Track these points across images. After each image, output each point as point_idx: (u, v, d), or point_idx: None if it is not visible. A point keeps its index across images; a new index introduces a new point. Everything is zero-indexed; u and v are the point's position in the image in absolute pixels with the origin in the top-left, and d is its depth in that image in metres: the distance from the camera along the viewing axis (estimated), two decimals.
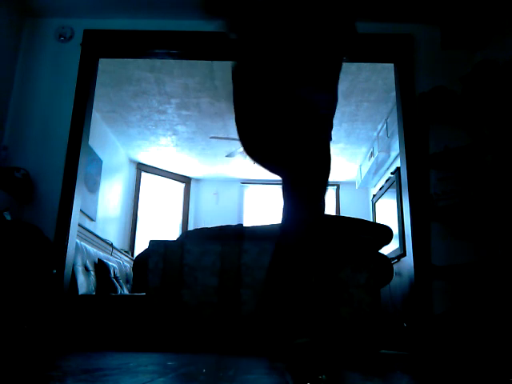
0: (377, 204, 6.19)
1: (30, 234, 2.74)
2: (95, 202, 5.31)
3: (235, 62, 1.63)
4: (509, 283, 2.68)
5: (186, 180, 7.63)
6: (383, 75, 4.40)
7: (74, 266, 3.58)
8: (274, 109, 1.47)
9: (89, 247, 4.36)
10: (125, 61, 4.27)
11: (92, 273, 4.09)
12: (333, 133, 1.66)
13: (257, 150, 1.60)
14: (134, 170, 6.92)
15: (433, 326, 2.82)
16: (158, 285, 2.96)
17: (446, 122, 3.19)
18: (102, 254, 4.67)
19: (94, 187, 5.24)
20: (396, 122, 3.85)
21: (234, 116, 1.61)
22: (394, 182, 4.91)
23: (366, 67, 4.30)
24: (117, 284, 4.31)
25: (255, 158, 1.64)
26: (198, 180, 7.74)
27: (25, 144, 3.24)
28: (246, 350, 2.63)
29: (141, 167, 7.00)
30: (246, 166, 7.01)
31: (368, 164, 6.16)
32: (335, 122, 5.32)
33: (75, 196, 3.16)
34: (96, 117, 5.22)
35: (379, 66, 4.19)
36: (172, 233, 7.22)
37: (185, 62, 4.29)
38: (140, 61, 4.29)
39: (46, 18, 3.48)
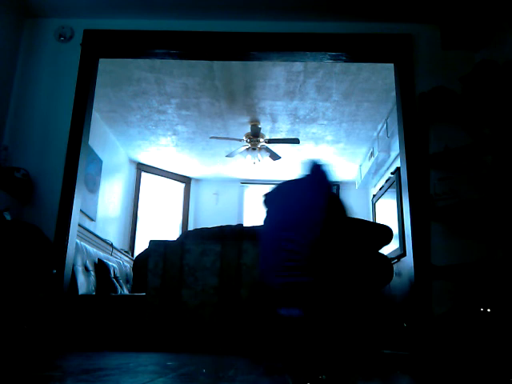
0: (377, 204, 6.19)
1: (30, 234, 2.73)
2: (95, 202, 5.30)
3: None
4: (509, 283, 2.68)
5: (186, 180, 7.62)
6: (383, 75, 4.40)
7: (74, 266, 3.58)
8: None
9: (89, 247, 4.36)
10: (125, 61, 4.27)
11: (92, 273, 4.09)
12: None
13: None
14: (133, 170, 6.92)
15: (433, 326, 2.82)
16: (158, 285, 2.96)
17: (446, 122, 3.19)
18: (102, 254, 4.67)
19: (94, 187, 5.24)
20: (396, 122, 3.85)
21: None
22: (394, 182, 4.91)
23: (366, 67, 4.29)
24: (117, 284, 4.30)
25: None
26: (197, 180, 7.73)
27: (25, 144, 3.24)
28: (246, 350, 2.63)
29: (141, 167, 7.00)
30: (246, 166, 7.01)
31: (368, 164, 6.16)
32: (335, 121, 5.34)
33: (75, 196, 3.16)
34: (96, 117, 5.22)
35: (379, 65, 4.19)
36: (172, 233, 7.22)
37: (185, 62, 4.28)
38: (140, 61, 4.29)
39: (45, 18, 3.48)
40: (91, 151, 4.99)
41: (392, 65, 3.55)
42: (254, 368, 1.83)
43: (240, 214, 7.58)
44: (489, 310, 2.67)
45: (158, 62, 4.32)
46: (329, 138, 5.90)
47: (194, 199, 7.67)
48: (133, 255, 6.43)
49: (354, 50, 3.46)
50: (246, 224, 3.32)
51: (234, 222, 5.89)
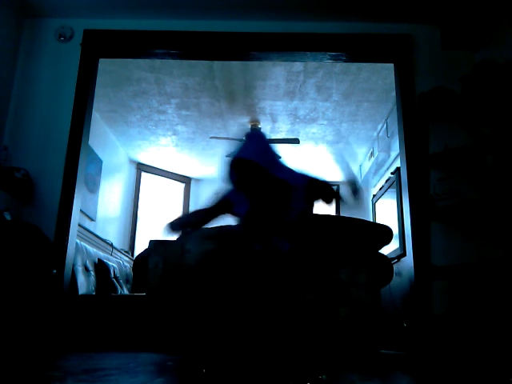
0: (377, 204, 6.19)
1: (30, 234, 2.73)
2: (95, 202, 5.30)
3: None
4: (509, 283, 2.68)
5: (186, 180, 7.62)
6: (383, 75, 4.39)
7: (73, 266, 3.58)
8: None
9: (89, 247, 4.36)
10: (125, 61, 4.26)
11: (92, 273, 4.09)
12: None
13: None
14: (133, 170, 6.92)
15: (433, 326, 2.82)
16: (158, 285, 2.96)
17: (446, 122, 3.19)
18: (101, 254, 4.67)
19: (94, 187, 5.23)
20: (396, 122, 3.85)
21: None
22: (394, 182, 4.90)
23: (366, 67, 4.29)
24: (117, 284, 4.30)
25: None
26: (197, 180, 7.73)
27: (25, 144, 3.24)
28: (246, 350, 2.63)
29: (141, 167, 7.00)
30: None
31: (368, 164, 6.16)
32: (335, 121, 5.32)
33: (75, 196, 3.16)
34: (96, 117, 5.22)
35: (379, 65, 4.18)
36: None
37: (185, 62, 4.28)
38: (140, 61, 4.29)
39: (45, 18, 3.48)
40: (91, 151, 4.99)
41: (392, 65, 3.54)
42: (253, 368, 1.83)
43: None
44: (488, 310, 2.67)
45: (158, 62, 4.32)
46: (329, 138, 5.91)
47: (194, 199, 7.67)
48: (133, 255, 6.42)
49: (353, 50, 3.46)
50: None
51: (233, 222, 5.88)
